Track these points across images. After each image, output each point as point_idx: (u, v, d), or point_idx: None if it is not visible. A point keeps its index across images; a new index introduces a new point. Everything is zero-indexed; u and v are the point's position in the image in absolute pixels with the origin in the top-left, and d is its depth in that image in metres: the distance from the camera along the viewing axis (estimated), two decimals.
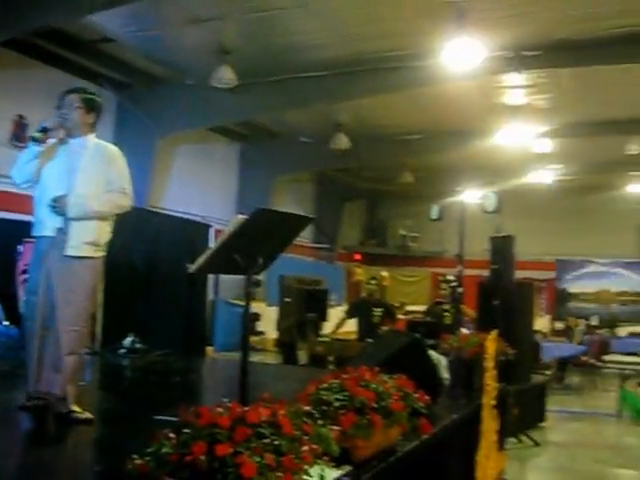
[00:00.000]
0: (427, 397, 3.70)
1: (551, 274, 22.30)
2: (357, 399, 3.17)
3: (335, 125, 15.32)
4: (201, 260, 3.53)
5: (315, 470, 2.28)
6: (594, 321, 20.18)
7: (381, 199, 24.25)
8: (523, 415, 8.92)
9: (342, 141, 15.49)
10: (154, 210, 13.17)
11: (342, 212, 22.48)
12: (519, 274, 16.61)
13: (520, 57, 10.89)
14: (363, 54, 11.51)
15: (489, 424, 5.00)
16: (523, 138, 14.36)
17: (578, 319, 19.20)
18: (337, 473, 2.79)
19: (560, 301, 22.17)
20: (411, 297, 20.61)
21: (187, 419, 2.21)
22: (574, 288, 22.22)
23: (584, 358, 14.98)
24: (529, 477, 7.65)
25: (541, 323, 19.91)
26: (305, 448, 2.26)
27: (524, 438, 8.88)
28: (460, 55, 9.71)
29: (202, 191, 16.20)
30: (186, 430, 2.16)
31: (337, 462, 2.67)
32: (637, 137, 15.74)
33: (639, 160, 17.32)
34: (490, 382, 5.00)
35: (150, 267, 10.63)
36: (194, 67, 12.37)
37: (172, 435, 2.17)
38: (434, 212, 11.25)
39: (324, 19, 10.30)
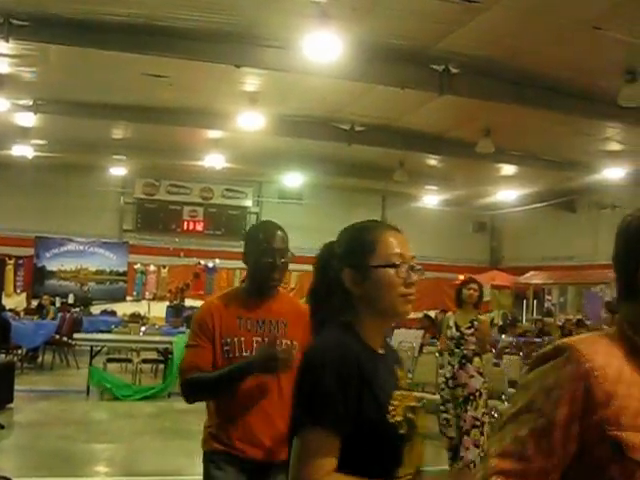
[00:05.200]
0: None
1: (30, 251, 21.81)
2: None
3: None
4: None
5: None
6: (71, 299, 20.44)
7: None
8: None
9: None
10: None
11: None
12: None
13: (9, 25, 10.42)
14: None
15: None
16: (5, 109, 13.77)
17: (55, 297, 19.22)
18: None
19: (38, 279, 21.80)
20: None
21: None
22: (53, 266, 22.05)
23: (57, 336, 15.08)
24: None
25: (16, 301, 19.45)
26: None
27: None
28: None
29: None
30: None
31: None
32: (122, 122, 16.33)
33: (123, 144, 18.06)
34: None
35: None
36: None
37: None
38: None
39: None
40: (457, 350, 7.16)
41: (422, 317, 16.74)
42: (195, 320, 3.21)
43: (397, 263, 1.89)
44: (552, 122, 14.33)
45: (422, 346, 12.78)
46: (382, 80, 12.13)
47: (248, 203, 24.01)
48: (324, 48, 9.90)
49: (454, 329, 7.27)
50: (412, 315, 7.95)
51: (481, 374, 7.16)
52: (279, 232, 3.17)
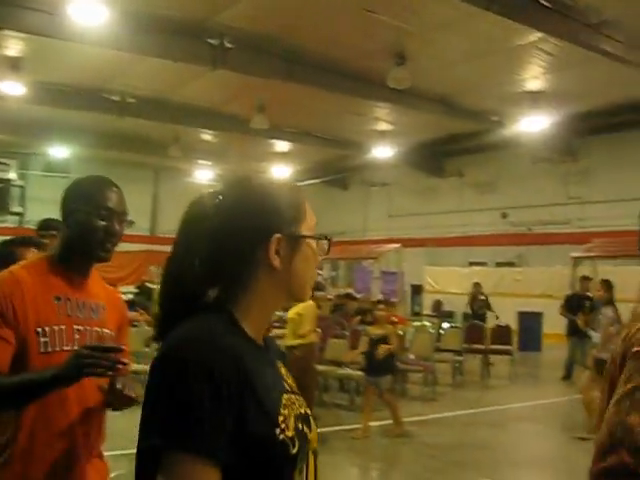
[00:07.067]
0: None
1: None
2: None
3: None
4: None
5: None
6: None
7: None
8: None
9: None
10: None
11: None
12: None
13: None
14: None
15: None
16: None
17: None
18: None
19: None
20: None
21: None
22: None
23: None
24: None
25: None
26: None
27: None
28: None
29: None
30: None
31: None
32: None
33: None
34: None
35: None
36: None
37: None
38: None
39: None
40: None
41: None
42: None
43: (328, 237, 1.52)
44: (325, 101, 14.71)
45: None
46: (153, 52, 11.76)
47: (12, 176, 22.50)
48: (91, 15, 9.42)
49: None
50: None
51: None
52: (116, 189, 2.41)
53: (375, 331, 8.27)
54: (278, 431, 1.31)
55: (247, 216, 1.41)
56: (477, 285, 16.32)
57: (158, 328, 1.42)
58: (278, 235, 1.41)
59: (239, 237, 1.40)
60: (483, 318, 14.95)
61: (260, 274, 1.41)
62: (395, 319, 10.63)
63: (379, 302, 9.74)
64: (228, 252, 1.40)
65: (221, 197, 1.43)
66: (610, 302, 8.51)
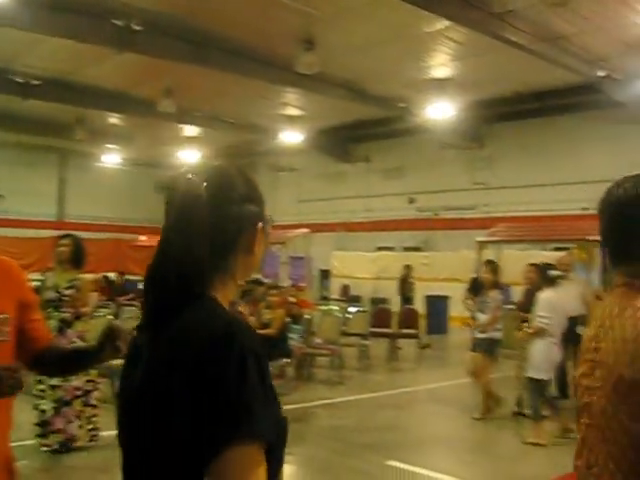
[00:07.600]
0: None
1: None
2: None
3: None
4: None
5: None
6: None
7: None
8: None
9: None
10: None
11: None
12: None
13: None
14: None
15: None
16: None
17: None
18: None
19: None
20: None
21: None
22: None
23: None
24: None
25: None
26: None
27: None
28: None
29: None
30: None
31: None
32: None
33: None
34: None
35: None
36: None
37: None
38: None
39: None
40: (55, 313, 6.29)
41: (100, 279, 16.27)
42: None
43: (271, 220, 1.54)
44: (233, 85, 14.59)
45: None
46: (57, 31, 11.39)
47: None
48: None
49: (53, 290, 6.42)
50: (90, 276, 7.21)
51: (83, 339, 6.37)
52: None
53: (266, 316, 8.30)
54: (282, 410, 1.33)
55: (238, 205, 1.42)
56: (408, 267, 16.33)
57: (152, 316, 1.39)
58: (261, 222, 1.46)
59: (232, 225, 1.41)
60: (411, 301, 15.11)
61: (238, 258, 1.43)
62: (293, 300, 10.70)
63: (271, 287, 9.79)
64: (222, 239, 1.40)
65: (205, 183, 1.40)
66: (497, 285, 8.47)
